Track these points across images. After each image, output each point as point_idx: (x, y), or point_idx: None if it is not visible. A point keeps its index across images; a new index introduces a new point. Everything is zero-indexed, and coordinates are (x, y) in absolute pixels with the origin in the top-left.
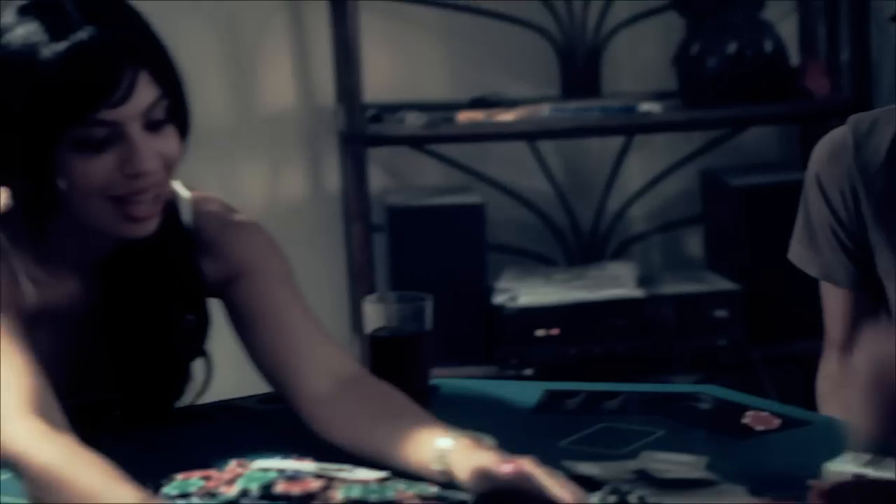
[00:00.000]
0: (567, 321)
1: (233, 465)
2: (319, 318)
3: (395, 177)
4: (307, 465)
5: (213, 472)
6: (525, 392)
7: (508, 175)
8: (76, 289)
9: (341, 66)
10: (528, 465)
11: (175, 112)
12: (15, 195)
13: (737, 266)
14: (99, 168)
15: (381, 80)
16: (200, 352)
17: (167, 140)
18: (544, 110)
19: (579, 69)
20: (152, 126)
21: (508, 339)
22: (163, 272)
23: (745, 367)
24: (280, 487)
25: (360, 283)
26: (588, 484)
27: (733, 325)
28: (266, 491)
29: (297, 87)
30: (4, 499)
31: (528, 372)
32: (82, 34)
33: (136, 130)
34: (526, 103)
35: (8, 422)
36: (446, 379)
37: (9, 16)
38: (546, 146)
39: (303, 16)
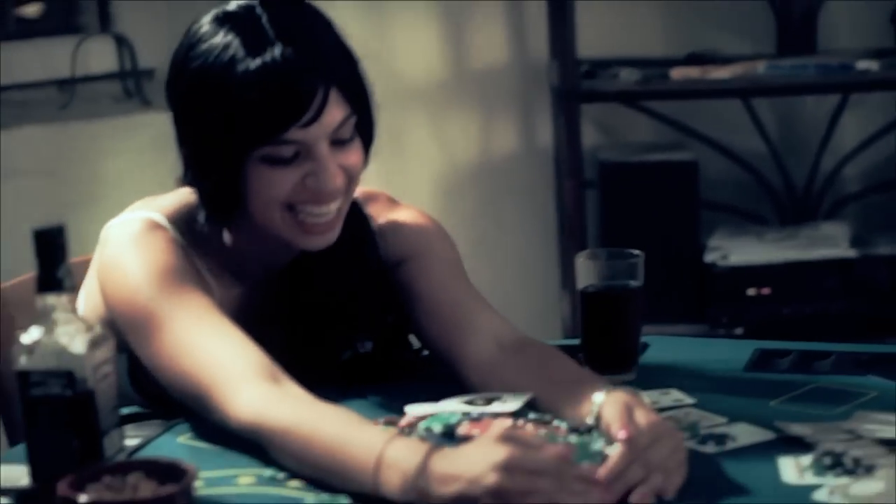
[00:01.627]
0: (779, 280)
1: (416, 409)
2: (527, 276)
3: (607, 133)
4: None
5: (395, 418)
6: (736, 351)
7: (722, 132)
8: (255, 296)
9: (555, 21)
10: (642, 439)
11: (361, 127)
12: (201, 199)
13: None
14: (284, 180)
15: (595, 35)
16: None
17: (351, 154)
18: (759, 67)
19: (796, 26)
20: (338, 142)
21: (719, 298)
22: (348, 274)
23: None
24: (463, 429)
25: (570, 239)
26: (801, 445)
27: None
28: (448, 430)
29: (511, 43)
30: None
31: (739, 331)
32: (275, 52)
33: (323, 149)
34: (741, 60)
35: (242, 390)
36: (656, 336)
37: (207, 22)
38: (760, 103)
39: None
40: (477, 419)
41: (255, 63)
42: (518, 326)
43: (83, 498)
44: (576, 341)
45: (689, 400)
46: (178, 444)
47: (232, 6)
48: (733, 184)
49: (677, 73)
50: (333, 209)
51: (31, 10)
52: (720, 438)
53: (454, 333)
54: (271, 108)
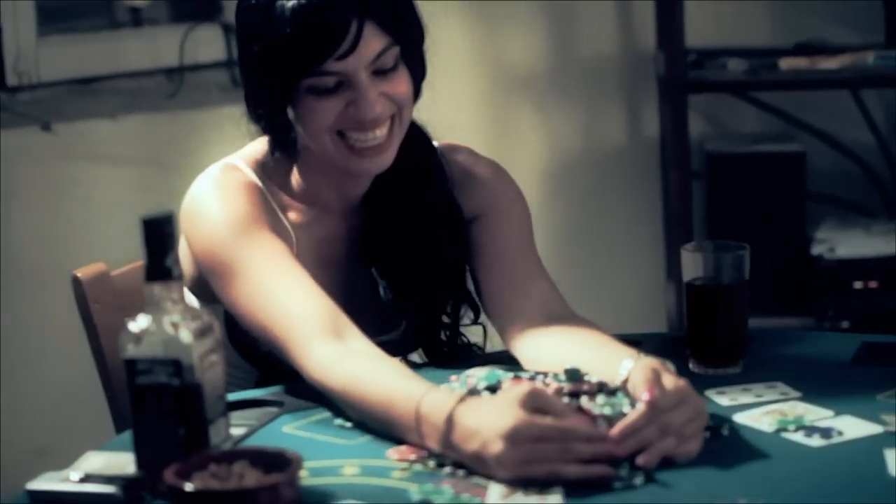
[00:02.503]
0: (886, 274)
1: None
2: (632, 266)
3: (714, 123)
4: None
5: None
6: (842, 344)
7: (830, 123)
8: (337, 229)
9: (663, 10)
10: (665, 402)
11: (409, 58)
12: (264, 132)
13: None
14: (328, 109)
15: (702, 24)
16: (463, 294)
17: (396, 83)
18: (869, 58)
19: None
20: (380, 72)
21: (826, 291)
22: (419, 202)
23: None
24: (505, 384)
25: (676, 231)
26: None
27: None
28: (492, 388)
29: (618, 33)
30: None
31: (845, 324)
32: None
33: (363, 78)
34: (850, 50)
35: (311, 349)
36: (762, 329)
37: None
38: (869, 94)
39: None
40: (518, 376)
41: (290, 2)
42: (623, 317)
43: (189, 486)
44: (682, 334)
45: (794, 393)
46: (283, 434)
47: None
48: (841, 175)
49: (785, 64)
50: (380, 135)
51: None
52: (826, 432)
53: (509, 295)
54: (308, 42)
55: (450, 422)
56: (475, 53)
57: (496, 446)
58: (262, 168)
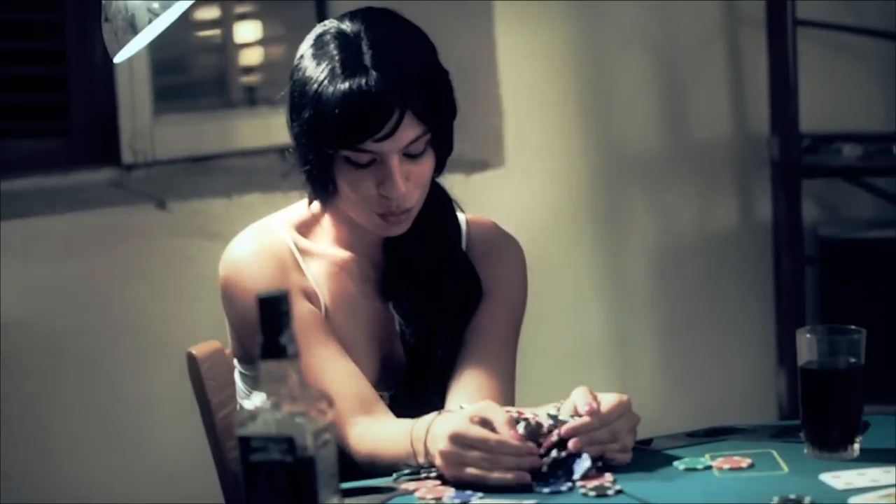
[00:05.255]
0: None
1: None
2: (743, 351)
3: (828, 208)
4: None
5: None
6: None
7: None
8: (363, 268)
9: (777, 95)
10: (613, 412)
11: (437, 141)
12: (310, 190)
13: None
14: (361, 180)
15: (816, 109)
16: None
17: (423, 165)
18: None
19: None
20: (410, 155)
21: None
22: (428, 246)
23: None
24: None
25: (789, 316)
26: None
27: None
28: None
29: (731, 116)
30: None
31: None
32: (364, 79)
33: (394, 161)
34: None
35: (347, 431)
36: (876, 416)
37: (327, 34)
38: None
39: (739, 43)
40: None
41: (343, 86)
42: (733, 403)
43: None
44: (796, 422)
45: None
46: None
47: (345, 25)
48: None
49: None
50: (400, 211)
51: (254, 78)
52: None
53: (464, 376)
54: (352, 124)
55: (428, 430)
56: (588, 135)
57: (440, 444)
58: (296, 226)
